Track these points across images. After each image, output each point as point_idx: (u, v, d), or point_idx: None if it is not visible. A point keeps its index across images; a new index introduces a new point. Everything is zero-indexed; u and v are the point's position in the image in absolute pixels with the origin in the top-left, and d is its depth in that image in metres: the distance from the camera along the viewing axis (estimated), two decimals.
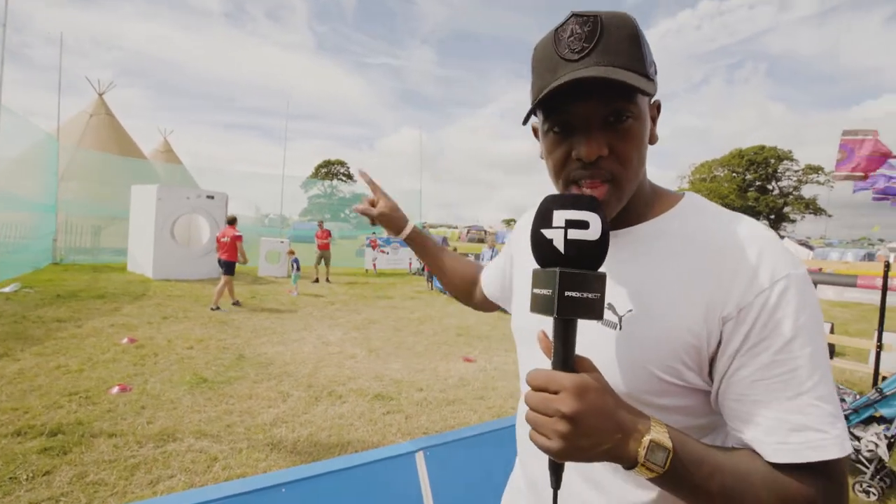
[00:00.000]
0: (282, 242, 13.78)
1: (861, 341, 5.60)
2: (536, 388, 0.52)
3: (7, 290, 7.66)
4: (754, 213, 50.74)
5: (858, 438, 3.15)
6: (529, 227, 0.57)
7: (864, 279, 14.44)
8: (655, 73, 0.61)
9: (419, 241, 1.12)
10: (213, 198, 11.78)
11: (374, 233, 16.81)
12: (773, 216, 51.28)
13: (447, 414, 4.04)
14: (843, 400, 3.33)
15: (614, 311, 0.61)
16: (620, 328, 0.60)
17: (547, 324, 0.57)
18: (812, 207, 50.29)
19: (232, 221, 8.65)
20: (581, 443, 0.49)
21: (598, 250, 0.53)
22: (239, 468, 2.90)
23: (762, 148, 51.40)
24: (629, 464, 0.51)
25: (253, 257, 13.57)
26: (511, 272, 0.92)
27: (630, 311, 0.60)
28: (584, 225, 0.52)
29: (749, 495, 0.51)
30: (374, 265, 15.39)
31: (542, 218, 0.55)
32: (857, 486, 3.06)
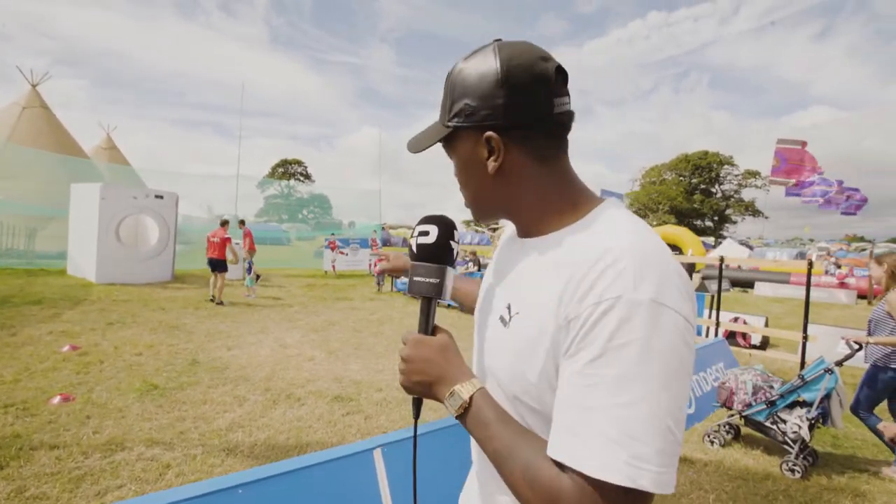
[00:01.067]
0: (237, 244, 13.33)
1: (791, 333, 6.09)
2: (402, 342, 0.74)
3: None
4: (699, 214, 53.71)
5: (784, 421, 3.46)
6: (504, 244, 0.83)
7: (796, 276, 15.67)
8: (468, 111, 0.66)
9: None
10: (162, 197, 11.26)
11: (332, 234, 16.56)
12: (716, 218, 54.45)
13: (406, 413, 4.09)
14: (771, 387, 3.64)
15: (509, 311, 0.69)
16: (508, 326, 0.68)
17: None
18: (751, 210, 53.78)
19: (224, 223, 9.54)
20: (413, 378, 0.70)
21: (435, 250, 0.73)
22: (193, 475, 2.84)
23: (706, 153, 54.47)
24: (441, 402, 0.68)
25: (205, 260, 13.08)
26: None
27: (517, 312, 0.67)
28: (426, 234, 0.74)
29: (507, 468, 0.60)
30: (334, 266, 15.17)
31: (413, 231, 0.77)
32: (784, 466, 3.36)
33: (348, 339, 6.73)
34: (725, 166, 54.38)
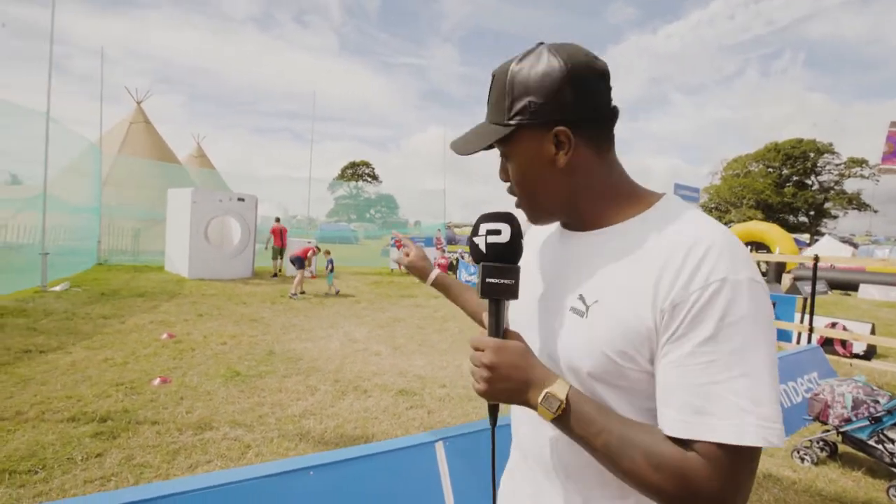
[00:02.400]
0: (309, 243, 14.14)
1: None
2: (473, 348, 0.70)
3: (58, 288, 8.19)
4: (792, 209, 48.71)
5: (892, 441, 3.06)
6: (535, 238, 0.86)
7: None
8: (533, 108, 0.69)
9: (444, 285, 1.33)
10: (243, 200, 12.21)
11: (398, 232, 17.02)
12: (812, 212, 49.09)
13: (469, 410, 4.12)
14: (876, 401, 3.24)
15: (584, 302, 0.70)
16: (587, 316, 0.69)
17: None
18: (855, 203, 47.80)
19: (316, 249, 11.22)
20: (498, 385, 0.67)
21: (509, 249, 0.71)
22: (270, 455, 3.07)
23: (800, 141, 49.20)
24: (532, 407, 0.66)
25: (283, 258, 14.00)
26: None
27: (596, 301, 0.68)
28: (497, 232, 0.72)
29: (626, 457, 0.60)
30: (399, 265, 15.58)
31: (474, 229, 0.74)
32: (892, 491, 2.98)
33: (413, 335, 6.90)
34: (824, 155, 48.79)
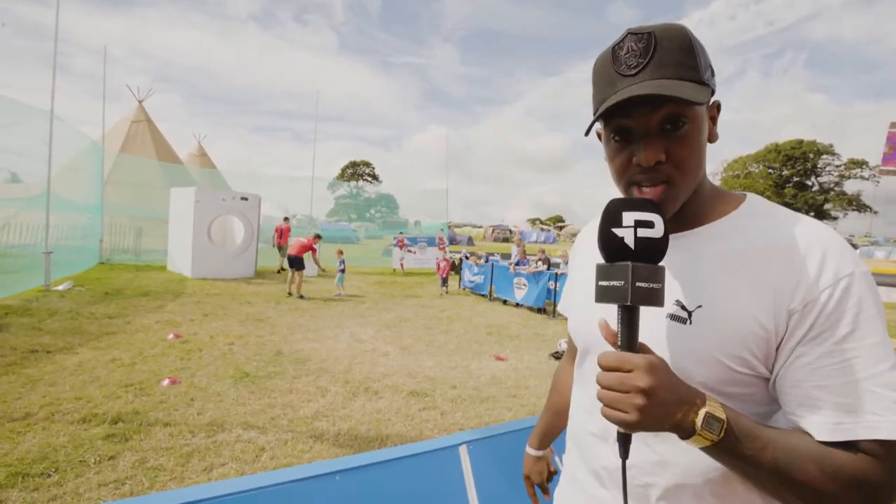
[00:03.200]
0: (306, 237, 14.08)
1: None
2: (609, 369, 0.58)
3: (61, 287, 8.13)
4: (792, 210, 48.72)
5: None
6: (590, 240, 0.68)
7: None
8: (713, 75, 0.65)
9: (546, 435, 1.16)
10: (246, 199, 12.16)
11: (400, 232, 16.99)
12: (812, 213, 49.19)
13: (482, 411, 4.08)
14: None
15: (683, 307, 0.65)
16: (690, 322, 0.64)
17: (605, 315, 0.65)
18: (855, 204, 47.95)
19: (317, 237, 10.42)
20: (655, 413, 0.55)
21: (662, 246, 0.60)
22: (285, 458, 3.03)
23: (800, 142, 49.34)
24: (687, 433, 0.56)
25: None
26: (570, 285, 0.96)
27: (699, 306, 0.64)
28: (649, 224, 0.60)
29: (797, 469, 0.55)
30: (402, 264, 15.56)
31: (612, 219, 0.61)
32: None
33: (420, 335, 6.86)
34: (824, 156, 48.89)
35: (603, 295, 0.60)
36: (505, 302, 10.67)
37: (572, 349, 1.05)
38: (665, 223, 0.60)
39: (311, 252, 10.27)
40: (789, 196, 48.39)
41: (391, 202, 38.09)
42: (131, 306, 7.33)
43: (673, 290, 0.67)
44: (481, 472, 1.90)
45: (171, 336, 5.70)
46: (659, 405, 0.55)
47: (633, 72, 0.62)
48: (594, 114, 0.66)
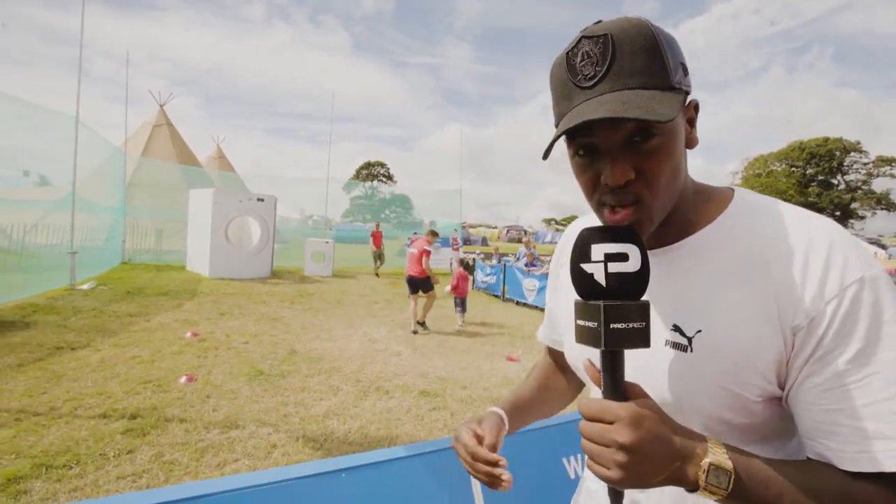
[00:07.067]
0: (326, 243, 14.27)
1: None
2: (590, 419, 0.52)
3: (85, 287, 8.40)
4: (816, 209, 47.32)
5: None
6: (568, 259, 0.59)
7: None
8: (685, 74, 0.56)
9: (517, 409, 0.92)
10: (263, 200, 12.37)
11: (414, 233, 17.04)
12: (838, 213, 47.75)
13: None
14: None
15: (682, 333, 0.59)
16: (691, 350, 0.58)
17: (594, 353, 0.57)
18: (884, 202, 46.38)
19: (432, 234, 7.74)
20: (641, 470, 0.49)
21: (639, 281, 0.53)
22: (297, 455, 3.08)
23: (825, 140, 47.93)
24: (691, 487, 0.51)
25: (299, 257, 14.16)
26: (557, 308, 0.88)
27: (699, 331, 0.58)
28: (623, 257, 0.53)
29: None
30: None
31: (581, 253, 0.56)
32: None
33: (432, 336, 6.89)
34: (851, 154, 47.44)
35: (581, 336, 0.55)
36: (518, 303, 10.63)
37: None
38: (642, 251, 0.54)
39: (426, 256, 7.17)
40: (814, 195, 47.08)
41: (406, 202, 38.27)
42: (151, 305, 7.52)
43: (668, 313, 0.62)
44: None
45: (188, 334, 5.84)
46: (645, 461, 0.49)
47: (591, 83, 0.54)
48: (555, 128, 0.59)
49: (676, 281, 0.62)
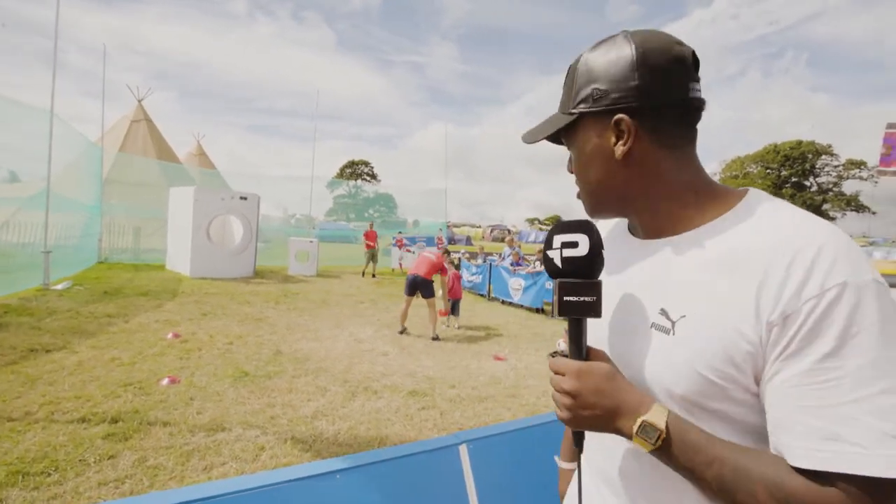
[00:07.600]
0: (311, 242, 14.10)
1: None
2: (553, 370, 0.66)
3: (60, 287, 8.13)
4: None
5: None
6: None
7: None
8: (595, 98, 0.66)
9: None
10: (245, 199, 12.15)
11: (399, 232, 17.00)
12: None
13: (480, 411, 4.10)
14: None
15: (667, 317, 0.63)
16: (674, 333, 0.62)
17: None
18: (854, 204, 48.10)
19: (446, 252, 7.69)
20: (581, 414, 0.62)
21: (587, 263, 0.65)
22: (285, 457, 3.04)
23: (799, 143, 49.52)
24: (626, 436, 0.61)
25: (283, 256, 13.97)
26: None
27: (683, 316, 0.62)
28: (574, 245, 0.66)
29: (743, 492, 0.53)
30: (401, 264, 15.58)
31: (547, 242, 0.69)
32: None
33: (419, 335, 6.87)
34: (823, 156, 49.06)
35: (552, 309, 0.71)
36: (503, 302, 10.68)
37: None
38: (592, 240, 0.65)
39: (440, 275, 7.36)
40: (787, 196, 48.47)
41: (390, 202, 38.04)
42: (130, 306, 7.32)
43: (658, 298, 0.66)
44: (481, 471, 1.90)
45: (170, 335, 5.70)
46: (585, 407, 0.62)
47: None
48: None
49: (670, 269, 0.66)
